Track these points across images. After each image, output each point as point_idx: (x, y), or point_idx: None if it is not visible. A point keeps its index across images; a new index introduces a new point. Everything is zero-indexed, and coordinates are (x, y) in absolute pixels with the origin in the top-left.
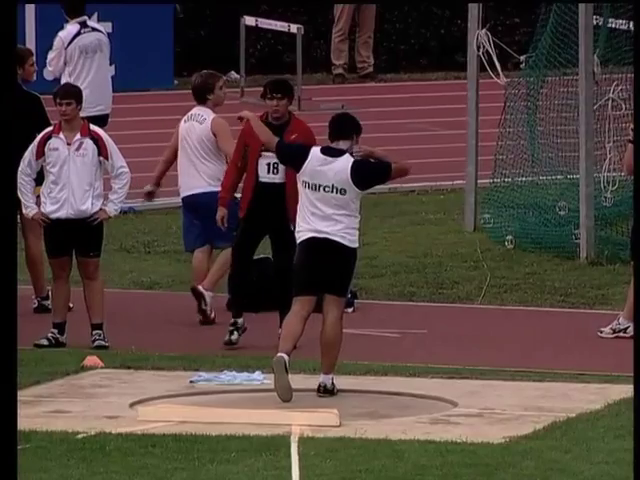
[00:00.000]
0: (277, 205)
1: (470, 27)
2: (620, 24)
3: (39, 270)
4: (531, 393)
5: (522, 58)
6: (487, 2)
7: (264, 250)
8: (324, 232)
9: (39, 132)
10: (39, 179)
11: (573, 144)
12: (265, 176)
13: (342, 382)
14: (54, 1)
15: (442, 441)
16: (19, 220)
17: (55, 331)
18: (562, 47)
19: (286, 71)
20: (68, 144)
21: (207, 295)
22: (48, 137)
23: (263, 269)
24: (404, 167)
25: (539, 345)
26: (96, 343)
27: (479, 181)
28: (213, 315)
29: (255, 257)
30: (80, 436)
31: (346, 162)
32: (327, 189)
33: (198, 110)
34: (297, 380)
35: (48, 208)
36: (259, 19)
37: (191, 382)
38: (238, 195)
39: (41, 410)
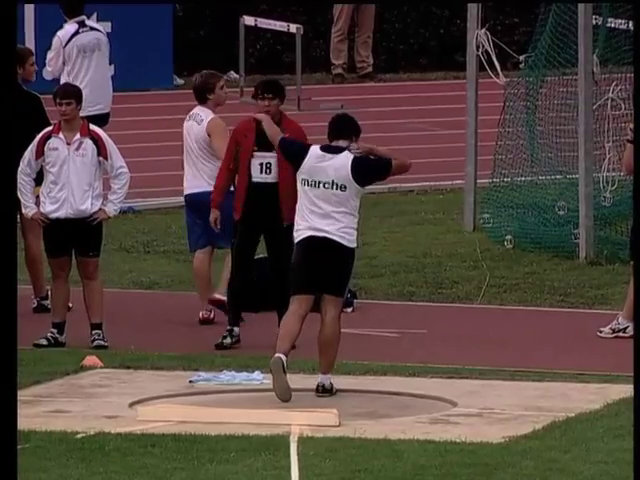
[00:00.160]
0: (271, 205)
1: (469, 27)
2: (619, 24)
3: (39, 270)
4: (530, 393)
5: (521, 58)
6: (486, 2)
7: (261, 250)
8: (323, 231)
9: (39, 132)
10: (39, 179)
11: (572, 144)
12: (258, 176)
13: (341, 382)
14: (54, 1)
15: (441, 441)
16: (19, 220)
17: (54, 331)
18: (561, 47)
19: (285, 71)
20: (68, 144)
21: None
22: (48, 137)
23: (261, 269)
24: (404, 163)
25: (538, 345)
26: (95, 343)
27: (478, 181)
28: (213, 315)
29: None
30: (79, 436)
31: (346, 159)
32: (327, 185)
33: (198, 110)
34: (296, 380)
35: (47, 208)
36: (258, 19)
37: (190, 382)
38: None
39: (40, 410)
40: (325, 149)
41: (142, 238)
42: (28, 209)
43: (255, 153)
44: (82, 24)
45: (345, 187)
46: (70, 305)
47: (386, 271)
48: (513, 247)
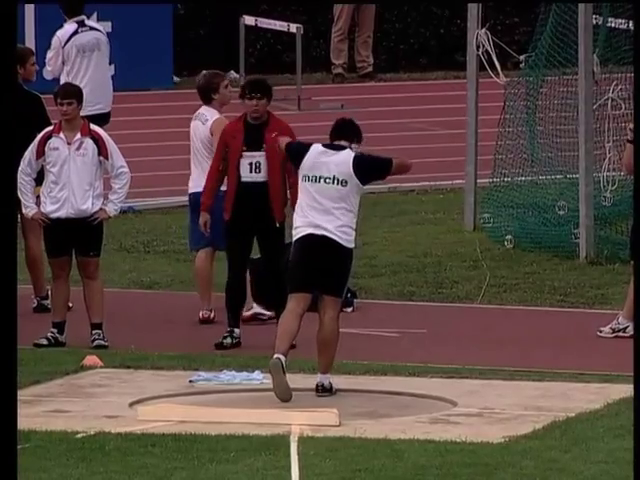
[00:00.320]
0: (261, 204)
1: (470, 27)
2: (619, 23)
3: (39, 270)
4: (531, 393)
5: (522, 57)
6: (487, 2)
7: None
8: (322, 228)
9: (39, 132)
10: (39, 179)
11: (572, 143)
12: (248, 175)
13: (341, 382)
14: (54, 1)
15: (442, 441)
16: (19, 220)
17: (55, 330)
18: (562, 46)
19: (286, 71)
20: (68, 144)
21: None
22: (48, 137)
23: (257, 269)
24: (405, 163)
25: (539, 345)
26: (95, 343)
27: (479, 181)
28: (213, 315)
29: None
30: (79, 435)
31: (347, 155)
32: (328, 180)
33: (204, 110)
34: (296, 380)
35: (48, 208)
36: (258, 19)
37: (190, 382)
38: None
39: (40, 410)
40: (327, 146)
41: (142, 238)
42: (28, 209)
43: (244, 153)
44: (82, 24)
45: (346, 182)
46: (70, 305)
47: (386, 271)
48: (513, 247)
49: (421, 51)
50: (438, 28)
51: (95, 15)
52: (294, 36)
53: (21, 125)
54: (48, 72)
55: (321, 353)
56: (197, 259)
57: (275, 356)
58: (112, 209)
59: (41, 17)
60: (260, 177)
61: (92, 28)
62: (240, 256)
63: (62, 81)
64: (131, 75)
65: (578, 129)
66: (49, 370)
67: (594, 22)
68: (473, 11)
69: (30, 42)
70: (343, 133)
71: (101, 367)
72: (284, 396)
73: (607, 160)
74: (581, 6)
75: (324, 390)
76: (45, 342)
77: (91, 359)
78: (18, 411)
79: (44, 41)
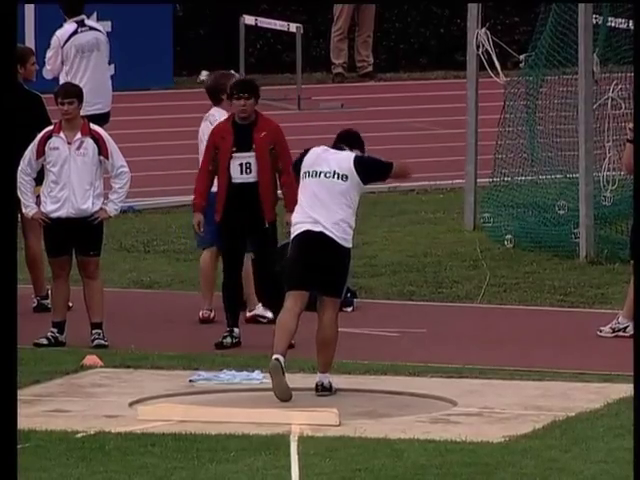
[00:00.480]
0: (252, 205)
1: (469, 26)
2: (619, 23)
3: (39, 269)
4: (531, 392)
5: (521, 57)
6: (486, 1)
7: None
8: (320, 224)
9: (39, 131)
10: (39, 178)
11: (572, 143)
12: (238, 177)
13: (341, 381)
14: (54, 1)
15: (442, 440)
16: (19, 220)
17: (55, 330)
18: (561, 46)
19: (286, 70)
20: (69, 143)
21: (258, 307)
22: (48, 136)
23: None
24: (406, 169)
25: (539, 344)
26: (95, 342)
27: (479, 180)
28: (213, 314)
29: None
30: (79, 435)
31: (349, 154)
32: (328, 175)
33: (214, 111)
34: (296, 379)
35: (48, 207)
36: (258, 18)
37: (190, 381)
38: None
39: (40, 409)
40: (328, 147)
41: (142, 238)
42: (28, 209)
43: (234, 154)
44: (81, 24)
45: (346, 177)
46: (70, 304)
47: (386, 270)
48: (513, 246)
49: (421, 51)
50: (438, 28)
51: (95, 15)
52: (294, 36)
53: (21, 125)
54: (48, 72)
55: (320, 353)
56: (202, 258)
57: (274, 357)
58: (112, 209)
59: (41, 17)
60: (251, 178)
61: (92, 28)
62: (234, 256)
63: (61, 81)
64: (131, 75)
65: (578, 129)
66: (49, 370)
67: (594, 22)
68: (473, 11)
69: (30, 42)
70: (346, 141)
71: (101, 367)
72: (284, 396)
73: (607, 160)
74: (581, 6)
75: (324, 389)
76: (45, 342)
77: (91, 359)
78: (18, 411)
79: (44, 41)
